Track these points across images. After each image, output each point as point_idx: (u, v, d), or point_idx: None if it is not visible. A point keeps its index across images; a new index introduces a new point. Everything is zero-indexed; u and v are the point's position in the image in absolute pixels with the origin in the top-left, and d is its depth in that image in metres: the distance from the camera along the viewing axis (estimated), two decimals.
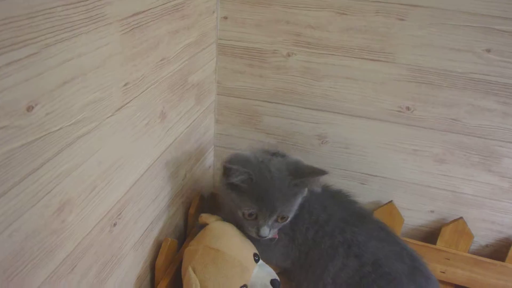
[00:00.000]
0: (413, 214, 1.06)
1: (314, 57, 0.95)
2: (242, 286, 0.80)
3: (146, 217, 0.81)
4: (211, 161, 1.12)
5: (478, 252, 1.07)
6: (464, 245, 1.04)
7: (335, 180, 1.06)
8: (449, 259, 1.02)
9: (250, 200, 0.79)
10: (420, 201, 1.05)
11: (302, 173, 0.80)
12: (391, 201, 1.05)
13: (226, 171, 0.78)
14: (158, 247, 0.87)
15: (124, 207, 0.71)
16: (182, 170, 0.93)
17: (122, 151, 0.66)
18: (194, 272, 0.80)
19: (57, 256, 0.55)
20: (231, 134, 1.09)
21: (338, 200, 0.91)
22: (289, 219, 0.82)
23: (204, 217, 0.90)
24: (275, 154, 0.85)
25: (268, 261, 0.86)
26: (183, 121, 0.88)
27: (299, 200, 0.83)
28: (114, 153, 0.64)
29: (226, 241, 0.84)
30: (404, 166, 1.02)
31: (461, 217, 1.03)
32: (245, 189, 0.79)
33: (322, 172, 0.79)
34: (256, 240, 0.85)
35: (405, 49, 0.90)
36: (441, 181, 1.01)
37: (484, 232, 1.05)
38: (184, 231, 1.02)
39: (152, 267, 0.87)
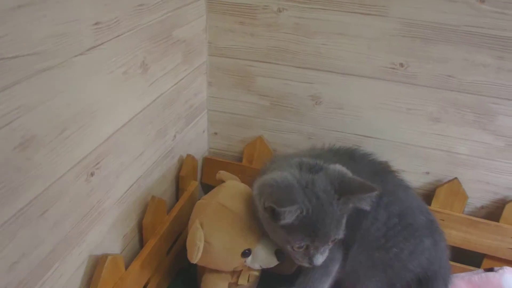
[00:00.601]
0: (409, 175, 0.96)
1: (306, 13, 0.87)
2: (246, 250, 0.74)
3: (130, 173, 0.74)
4: (205, 126, 1.04)
5: (473, 214, 0.98)
6: (458, 206, 0.96)
7: (329, 142, 0.98)
8: (443, 220, 0.94)
9: (301, 234, 0.65)
10: (415, 162, 0.97)
11: (349, 190, 0.65)
12: (386, 162, 0.97)
13: (276, 215, 0.63)
14: (146, 206, 0.81)
15: (103, 158, 0.64)
16: (171, 130, 0.86)
17: (97, 96, 0.59)
18: (201, 226, 0.74)
19: (23, 195, 0.49)
20: (224, 97, 1.01)
21: (360, 158, 0.82)
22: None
23: (222, 174, 0.85)
24: (313, 168, 0.69)
25: None
26: (170, 77, 0.80)
27: (345, 220, 0.69)
28: (86, 97, 0.57)
29: (240, 203, 0.77)
30: (399, 126, 0.94)
31: (455, 178, 0.95)
32: (294, 223, 0.64)
33: (371, 189, 0.64)
34: None
35: (398, 1, 0.82)
36: (436, 141, 0.93)
37: (479, 193, 0.96)
38: (176, 193, 0.95)
39: (140, 227, 0.81)
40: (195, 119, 0.97)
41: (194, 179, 0.98)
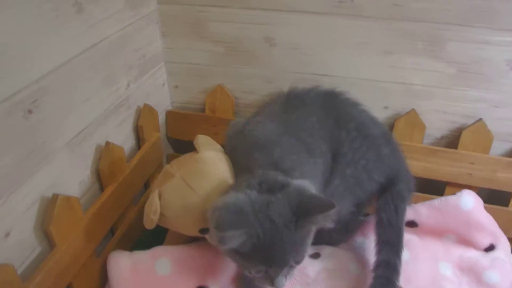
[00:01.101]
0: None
1: None
2: (203, 228, 0.72)
3: (78, 117, 0.73)
4: (164, 78, 1.03)
5: (434, 145, 0.99)
6: (418, 137, 0.97)
7: (288, 84, 0.97)
8: (404, 151, 0.95)
9: (255, 261, 0.62)
10: (373, 97, 0.96)
11: (307, 212, 0.62)
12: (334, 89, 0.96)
13: (219, 239, 0.60)
14: (99, 154, 0.81)
15: (40, 97, 0.63)
16: (122, 78, 0.85)
17: (21, 30, 0.58)
18: (160, 196, 0.71)
19: None
20: (179, 47, 1.00)
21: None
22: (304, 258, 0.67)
23: (199, 142, 0.77)
24: (272, 188, 0.64)
25: None
26: (112, 22, 0.79)
27: (311, 239, 0.67)
28: (7, 28, 0.56)
29: (205, 183, 0.71)
30: (353, 62, 0.94)
31: (412, 109, 0.95)
32: (247, 249, 0.61)
33: (330, 206, 0.60)
34: None
35: None
36: (390, 73, 0.93)
37: (438, 123, 0.97)
38: (137, 144, 0.95)
39: (99, 175, 0.81)
40: (150, 70, 0.96)
41: (156, 131, 0.98)
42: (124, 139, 0.89)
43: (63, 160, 0.71)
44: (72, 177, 0.74)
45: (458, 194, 0.90)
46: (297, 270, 0.81)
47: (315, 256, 0.88)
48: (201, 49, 0.99)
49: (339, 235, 0.91)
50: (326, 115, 0.81)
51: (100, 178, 0.81)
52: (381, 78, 0.94)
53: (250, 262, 0.62)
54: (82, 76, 0.73)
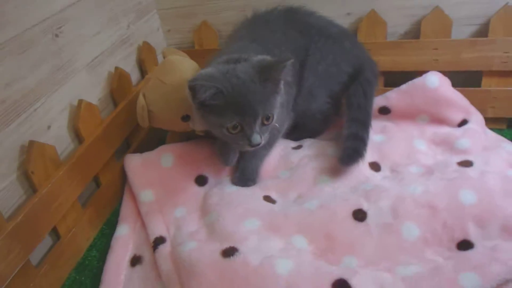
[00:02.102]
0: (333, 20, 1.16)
1: None
2: (184, 115, 0.99)
3: (92, 45, 1.03)
4: (158, 23, 1.33)
5: None
6: (380, 34, 1.18)
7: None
8: (370, 50, 1.15)
9: (229, 112, 0.79)
10: (334, 6, 1.19)
11: (268, 67, 0.80)
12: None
13: (192, 90, 0.78)
14: (110, 77, 1.10)
15: (63, 24, 0.93)
16: (121, 18, 1.14)
17: None
18: (144, 97, 1.00)
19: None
20: None
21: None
22: (274, 118, 0.84)
23: (166, 50, 1.10)
24: (237, 60, 0.84)
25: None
26: None
27: (278, 98, 0.85)
28: None
29: (174, 75, 0.99)
30: None
31: (372, 9, 1.17)
32: (220, 106, 0.79)
33: (286, 59, 0.80)
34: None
35: None
36: None
37: (399, 19, 1.18)
38: (141, 75, 1.24)
39: (113, 96, 1.11)
40: (145, 16, 1.26)
41: (155, 65, 1.27)
42: (130, 70, 1.18)
43: (84, 79, 1.01)
44: (92, 93, 1.03)
45: (424, 75, 1.08)
46: (281, 157, 1.07)
47: (298, 147, 1.10)
48: None
49: (318, 126, 1.13)
50: (289, 28, 1.04)
51: (114, 97, 1.11)
52: None
53: (225, 117, 0.80)
54: (92, 14, 1.03)
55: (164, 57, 1.10)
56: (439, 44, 1.14)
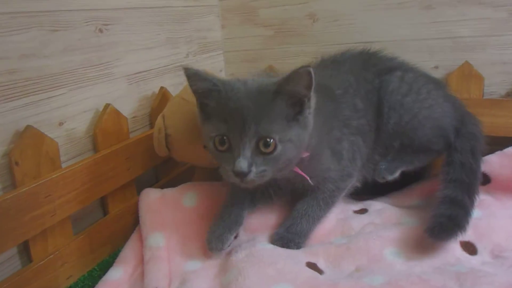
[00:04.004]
0: None
1: None
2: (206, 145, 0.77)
3: (140, 59, 0.87)
4: (222, 65, 1.17)
5: None
6: (476, 89, 0.90)
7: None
8: None
9: (218, 121, 0.60)
10: (420, 58, 0.94)
11: (282, 79, 0.59)
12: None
13: (187, 77, 0.61)
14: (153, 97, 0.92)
15: (111, 22, 0.78)
16: (181, 45, 0.99)
17: None
18: (164, 118, 0.79)
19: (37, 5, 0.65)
20: (235, 36, 1.14)
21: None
22: (279, 149, 0.59)
23: None
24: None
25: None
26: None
27: (294, 127, 0.61)
28: None
29: None
30: (394, 23, 0.96)
31: (465, 61, 0.91)
32: (215, 111, 0.62)
33: (301, 68, 0.57)
34: None
35: None
36: (435, 29, 0.93)
37: (499, 77, 0.90)
38: None
39: (150, 112, 0.91)
40: (210, 52, 1.11)
41: None
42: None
43: (121, 88, 0.83)
44: (126, 107, 0.84)
45: None
46: (339, 221, 0.75)
47: (361, 211, 0.79)
48: (254, 35, 1.12)
49: (431, 143, 0.78)
50: (361, 69, 0.80)
51: (152, 119, 0.91)
52: (425, 36, 0.94)
53: (213, 124, 0.61)
54: (148, 25, 0.88)
55: None
56: None
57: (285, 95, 0.59)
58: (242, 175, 0.57)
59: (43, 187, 0.63)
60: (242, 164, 0.57)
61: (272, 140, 0.58)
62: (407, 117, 0.75)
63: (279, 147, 0.59)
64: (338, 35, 1.02)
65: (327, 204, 0.74)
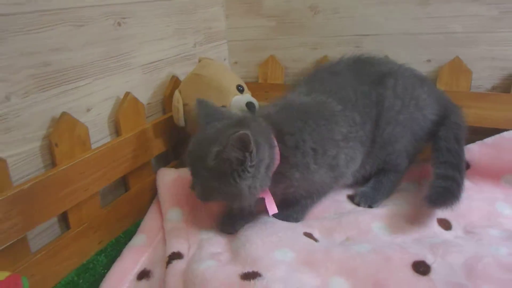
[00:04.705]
0: (411, 66, 1.09)
1: None
2: (221, 106, 0.93)
3: (153, 49, 1.00)
4: (226, 54, 1.30)
5: None
6: (464, 83, 1.04)
7: (333, 49, 1.17)
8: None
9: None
10: (414, 51, 1.09)
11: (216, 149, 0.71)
12: (386, 56, 1.10)
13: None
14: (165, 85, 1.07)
15: (127, 16, 0.91)
16: (189, 36, 1.12)
17: None
18: (180, 93, 0.97)
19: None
20: (239, 26, 1.27)
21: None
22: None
23: (200, 57, 1.08)
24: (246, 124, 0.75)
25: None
26: None
27: (231, 182, 0.71)
28: None
29: (211, 70, 1.00)
30: (391, 17, 1.09)
31: (456, 56, 1.05)
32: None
33: (236, 134, 0.67)
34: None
35: None
36: (430, 24, 1.06)
37: (487, 72, 1.04)
38: None
39: (162, 99, 1.06)
40: (215, 41, 1.24)
41: None
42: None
43: (137, 77, 0.96)
44: (143, 95, 0.98)
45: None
46: (333, 201, 0.91)
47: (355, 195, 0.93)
48: (257, 25, 1.25)
49: (402, 161, 0.94)
50: (359, 83, 0.90)
51: (164, 105, 1.05)
52: (421, 30, 1.07)
53: None
54: (159, 18, 1.01)
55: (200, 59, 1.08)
56: None
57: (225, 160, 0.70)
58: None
59: (77, 166, 0.77)
60: (196, 191, 0.76)
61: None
62: (398, 128, 0.90)
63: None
64: (338, 27, 1.16)
65: (319, 197, 0.89)
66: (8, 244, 0.67)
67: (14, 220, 0.67)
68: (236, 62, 1.32)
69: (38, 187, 0.71)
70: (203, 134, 0.75)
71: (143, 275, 0.77)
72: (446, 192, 0.80)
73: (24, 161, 0.74)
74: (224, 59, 1.30)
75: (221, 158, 0.69)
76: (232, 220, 0.83)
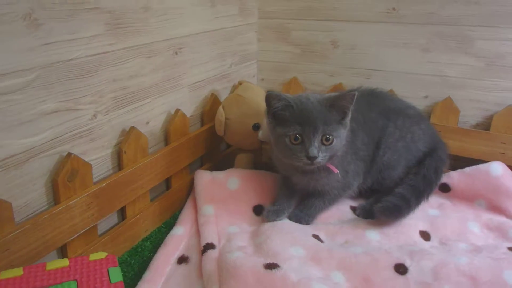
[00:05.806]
0: (410, 101, 1.25)
1: None
2: (255, 123, 1.14)
3: (199, 71, 1.19)
4: (255, 72, 1.49)
5: None
6: (453, 119, 1.23)
7: (348, 78, 1.36)
8: (441, 131, 1.20)
9: (293, 124, 0.90)
10: (414, 88, 1.28)
11: (335, 96, 0.91)
12: (391, 89, 1.30)
13: (268, 98, 0.91)
14: (206, 100, 1.26)
15: (183, 46, 1.10)
16: (228, 58, 1.32)
17: (182, 4, 1.09)
18: (223, 108, 1.15)
19: (138, 39, 0.98)
20: (269, 50, 1.46)
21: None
22: (334, 142, 0.90)
23: (242, 80, 1.27)
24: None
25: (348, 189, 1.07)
26: (229, 19, 1.27)
27: (341, 128, 0.92)
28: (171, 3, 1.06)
29: (250, 92, 1.18)
30: (399, 58, 1.28)
31: (448, 96, 1.24)
32: (288, 117, 0.90)
33: (351, 91, 0.90)
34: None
35: None
36: (429, 67, 1.25)
37: (472, 111, 1.23)
38: None
39: (201, 113, 1.25)
40: (247, 62, 1.43)
41: None
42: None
43: (185, 95, 1.16)
44: (187, 108, 1.18)
45: (489, 163, 1.11)
46: (337, 210, 1.10)
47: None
48: (284, 51, 1.44)
49: (393, 185, 1.09)
50: (369, 111, 1.09)
51: (203, 117, 1.25)
52: (421, 72, 1.26)
53: (290, 127, 0.90)
54: (207, 46, 1.20)
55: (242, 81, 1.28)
56: (507, 139, 1.17)
57: (336, 106, 0.91)
58: (313, 158, 0.89)
59: (139, 169, 0.97)
60: (314, 151, 0.88)
61: (331, 136, 0.90)
62: (395, 155, 1.08)
63: (335, 141, 0.91)
64: (354, 60, 1.34)
65: (330, 202, 1.08)
66: (86, 229, 0.87)
67: (92, 211, 0.87)
68: (263, 79, 1.51)
69: (111, 185, 0.90)
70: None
71: (182, 260, 0.94)
72: (394, 209, 0.99)
73: (99, 164, 0.93)
74: (253, 76, 1.49)
75: (335, 104, 0.91)
76: (277, 210, 1.02)
